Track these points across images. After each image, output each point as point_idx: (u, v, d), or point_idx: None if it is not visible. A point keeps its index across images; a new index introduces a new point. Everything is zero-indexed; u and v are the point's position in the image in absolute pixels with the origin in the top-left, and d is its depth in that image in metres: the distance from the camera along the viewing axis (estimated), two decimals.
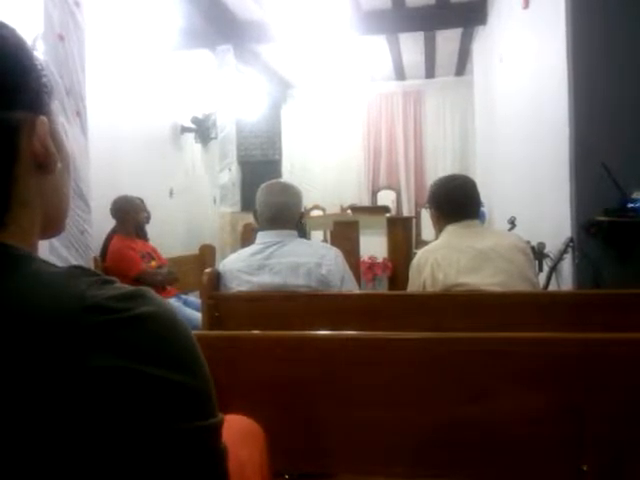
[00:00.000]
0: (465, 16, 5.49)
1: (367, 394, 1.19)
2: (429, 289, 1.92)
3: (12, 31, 0.52)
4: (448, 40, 6.30)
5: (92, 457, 0.41)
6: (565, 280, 2.68)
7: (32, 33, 3.38)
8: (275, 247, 1.96)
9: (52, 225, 0.59)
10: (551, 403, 1.13)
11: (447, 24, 5.66)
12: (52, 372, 0.41)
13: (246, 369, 1.22)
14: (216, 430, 0.48)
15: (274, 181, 2.11)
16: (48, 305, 0.44)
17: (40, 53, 2.90)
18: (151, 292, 0.49)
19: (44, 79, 0.55)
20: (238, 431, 0.90)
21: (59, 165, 0.56)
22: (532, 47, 3.43)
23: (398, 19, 5.50)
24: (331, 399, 1.19)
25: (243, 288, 1.94)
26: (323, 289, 1.93)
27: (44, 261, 0.50)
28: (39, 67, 0.54)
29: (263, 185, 2.09)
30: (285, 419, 1.17)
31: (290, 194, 2.05)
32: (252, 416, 1.02)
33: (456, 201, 2.02)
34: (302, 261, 1.92)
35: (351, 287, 2.04)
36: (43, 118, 0.53)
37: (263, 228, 2.04)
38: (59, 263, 2.39)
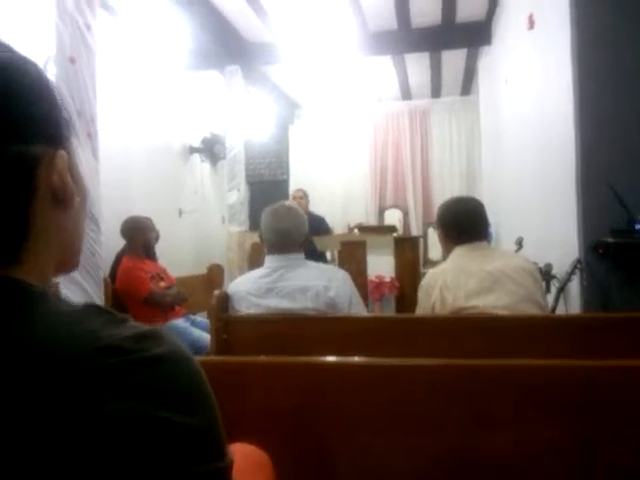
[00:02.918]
0: (470, 36, 5.54)
1: (376, 422, 1.19)
2: (438, 311, 1.92)
3: (34, 65, 0.53)
4: (454, 60, 6.34)
5: None
6: (573, 302, 2.67)
7: (43, 55, 3.45)
8: (283, 271, 1.97)
9: (67, 260, 0.58)
10: (562, 431, 1.13)
11: (452, 44, 5.71)
12: (68, 414, 0.41)
13: (254, 395, 1.22)
14: (227, 471, 0.48)
15: (278, 205, 2.12)
16: (63, 345, 0.44)
17: (51, 75, 2.95)
18: (165, 332, 0.49)
19: (64, 113, 0.55)
20: (246, 460, 0.90)
21: (77, 199, 0.56)
22: (537, 68, 3.45)
23: (404, 40, 5.56)
24: (340, 426, 1.19)
25: (252, 311, 1.95)
26: (331, 312, 1.93)
27: (59, 298, 0.51)
28: (59, 101, 0.55)
29: (267, 209, 2.10)
30: (294, 446, 1.17)
31: (294, 218, 2.06)
32: (260, 443, 1.02)
33: (464, 223, 2.03)
34: (310, 284, 1.93)
35: (359, 309, 2.05)
36: (62, 152, 0.53)
37: (270, 252, 2.06)
38: (69, 285, 2.42)
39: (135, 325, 0.48)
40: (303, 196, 5.49)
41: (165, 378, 0.46)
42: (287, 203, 2.20)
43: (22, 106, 0.49)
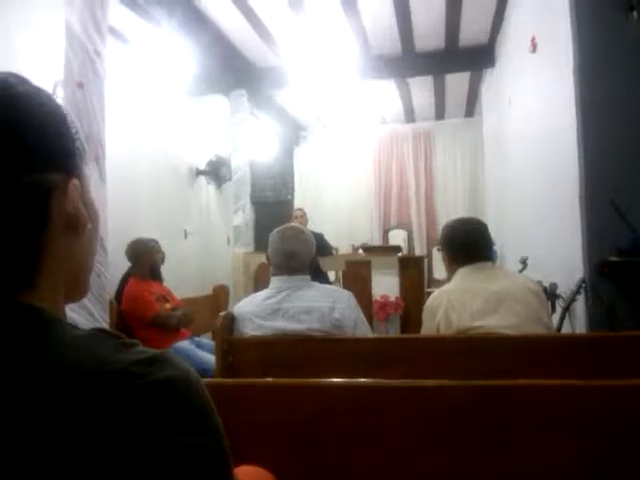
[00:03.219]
0: (473, 59, 5.61)
1: (382, 443, 1.18)
2: (443, 332, 1.92)
3: (48, 96, 0.55)
4: (457, 82, 6.41)
5: None
6: (579, 321, 2.66)
7: (52, 79, 3.51)
8: (288, 292, 1.98)
9: (77, 286, 0.60)
10: (569, 451, 1.12)
11: (456, 68, 5.78)
12: (79, 438, 0.42)
13: (260, 417, 1.22)
14: None
15: (287, 226, 2.14)
16: (73, 370, 0.45)
17: (60, 99, 2.99)
18: (172, 355, 0.50)
19: (77, 143, 0.57)
20: None
21: (89, 226, 0.57)
22: (541, 89, 3.49)
23: (408, 64, 5.63)
24: (346, 448, 1.19)
25: (257, 332, 1.95)
26: (336, 333, 1.93)
27: (69, 324, 0.51)
28: (73, 131, 0.57)
29: (275, 231, 2.12)
30: (300, 468, 1.17)
31: (301, 240, 2.07)
32: (267, 465, 1.02)
33: (468, 244, 2.03)
34: (315, 305, 1.94)
35: (364, 330, 2.05)
36: (75, 181, 0.54)
37: (276, 274, 2.07)
38: (74, 306, 2.42)
39: (144, 349, 0.49)
40: (303, 215, 5.51)
41: (174, 401, 0.46)
42: (295, 225, 2.22)
43: (36, 136, 0.51)
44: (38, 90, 0.54)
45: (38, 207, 0.50)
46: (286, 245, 2.04)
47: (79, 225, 0.55)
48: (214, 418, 0.50)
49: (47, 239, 0.52)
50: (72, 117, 0.58)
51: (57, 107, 0.55)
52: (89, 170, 2.66)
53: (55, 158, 0.53)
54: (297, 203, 8.23)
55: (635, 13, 2.50)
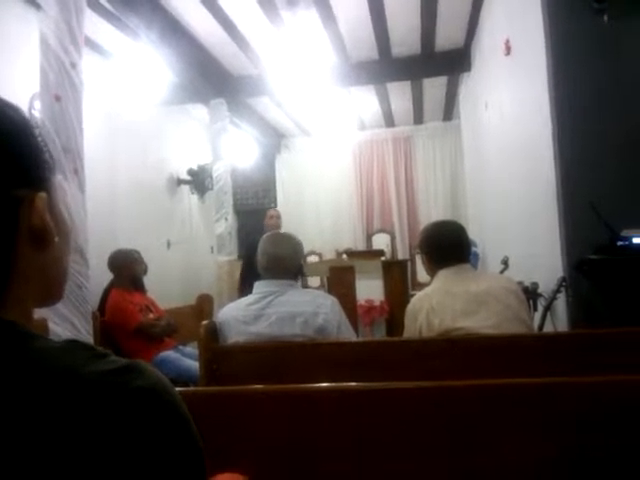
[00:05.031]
0: (450, 64, 5.66)
1: (368, 447, 1.19)
2: (425, 334, 1.93)
3: (16, 110, 0.54)
4: (435, 87, 6.47)
5: None
6: (560, 319, 2.69)
7: (29, 93, 3.48)
8: (272, 297, 1.98)
9: (49, 295, 0.59)
10: (553, 448, 1.13)
11: (432, 72, 5.83)
12: (52, 448, 0.42)
13: (246, 424, 1.22)
14: None
15: (276, 232, 2.16)
16: (45, 383, 0.44)
17: (37, 112, 2.97)
18: (144, 365, 0.50)
19: (46, 156, 0.56)
20: None
21: (57, 239, 0.56)
22: (516, 92, 3.53)
23: (385, 69, 5.67)
24: (333, 452, 1.19)
25: (241, 338, 1.95)
26: (320, 338, 1.94)
27: (41, 336, 0.51)
28: (42, 144, 0.56)
29: (265, 235, 2.14)
30: (287, 474, 1.17)
31: (289, 245, 2.09)
32: (253, 472, 1.01)
33: (446, 246, 2.05)
34: (299, 310, 1.94)
35: (348, 335, 2.05)
36: (42, 194, 0.53)
37: (261, 277, 2.07)
38: (57, 319, 2.40)
39: (116, 359, 0.49)
40: (279, 216, 5.43)
41: (147, 410, 0.46)
42: (286, 232, 2.24)
43: (4, 151, 0.50)
44: (6, 104, 0.53)
45: (7, 222, 0.50)
46: (273, 248, 2.05)
47: (46, 238, 0.54)
48: (189, 426, 0.50)
49: (15, 254, 0.51)
50: (44, 129, 0.58)
51: (24, 119, 0.54)
52: (68, 182, 2.64)
53: (23, 173, 0.52)
54: (280, 210, 8.22)
55: (606, 16, 2.55)
